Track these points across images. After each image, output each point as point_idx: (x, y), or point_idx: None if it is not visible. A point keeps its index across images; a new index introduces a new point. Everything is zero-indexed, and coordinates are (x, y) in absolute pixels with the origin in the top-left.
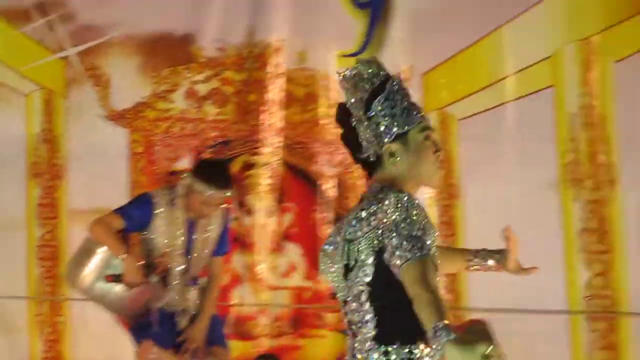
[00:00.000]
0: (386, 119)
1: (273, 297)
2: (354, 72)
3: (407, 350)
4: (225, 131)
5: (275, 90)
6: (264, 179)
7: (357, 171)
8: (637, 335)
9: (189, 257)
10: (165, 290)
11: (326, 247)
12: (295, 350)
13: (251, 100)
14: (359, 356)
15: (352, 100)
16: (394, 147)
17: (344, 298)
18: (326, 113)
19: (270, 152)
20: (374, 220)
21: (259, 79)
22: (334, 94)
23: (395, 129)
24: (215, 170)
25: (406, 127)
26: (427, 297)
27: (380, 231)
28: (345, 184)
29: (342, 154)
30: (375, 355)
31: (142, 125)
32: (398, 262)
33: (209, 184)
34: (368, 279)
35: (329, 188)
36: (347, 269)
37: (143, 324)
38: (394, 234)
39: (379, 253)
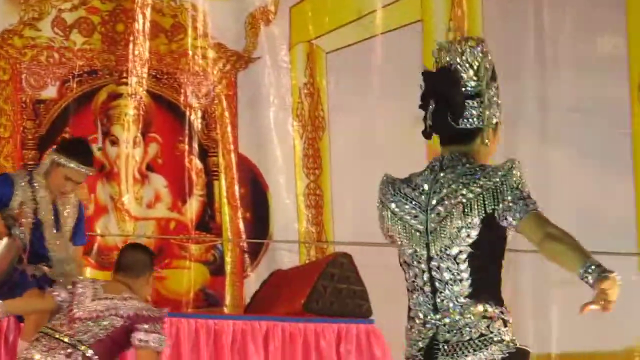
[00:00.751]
0: (495, 104)
1: (137, 227)
2: (481, 46)
3: (499, 310)
4: (91, 61)
5: (142, 21)
6: (130, 109)
7: (224, 102)
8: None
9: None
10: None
11: (393, 205)
12: (159, 281)
13: (118, 30)
14: (446, 312)
15: (472, 72)
16: (490, 131)
17: (423, 255)
18: (193, 44)
19: (136, 82)
20: (489, 182)
21: (126, 8)
22: (201, 25)
23: (497, 117)
24: (79, 147)
25: (501, 118)
26: (565, 234)
27: (496, 193)
28: (211, 115)
29: (208, 85)
30: (475, 311)
31: (8, 53)
32: (526, 209)
33: (73, 158)
34: (471, 241)
35: (194, 119)
36: (441, 230)
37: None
38: (516, 192)
39: (487, 216)
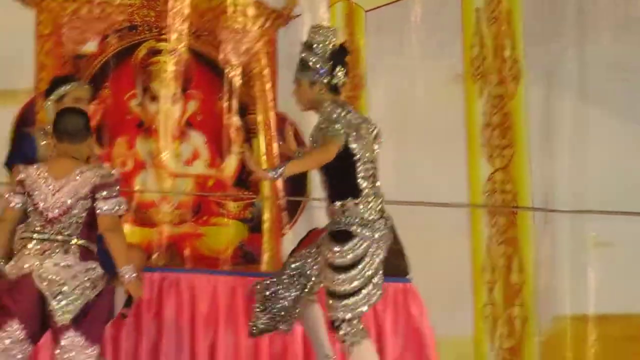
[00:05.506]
0: None
1: (176, 184)
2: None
3: None
4: (132, 16)
5: None
6: (170, 66)
7: (263, 60)
8: (537, 229)
9: None
10: None
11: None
12: (197, 238)
13: None
14: None
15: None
16: None
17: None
18: (233, 1)
19: (176, 38)
20: None
21: None
22: None
23: None
24: (58, 79)
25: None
26: None
27: None
28: (250, 72)
29: (248, 42)
30: None
31: (49, 6)
32: None
33: (63, 84)
34: None
35: (234, 76)
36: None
37: None
38: None
39: None
